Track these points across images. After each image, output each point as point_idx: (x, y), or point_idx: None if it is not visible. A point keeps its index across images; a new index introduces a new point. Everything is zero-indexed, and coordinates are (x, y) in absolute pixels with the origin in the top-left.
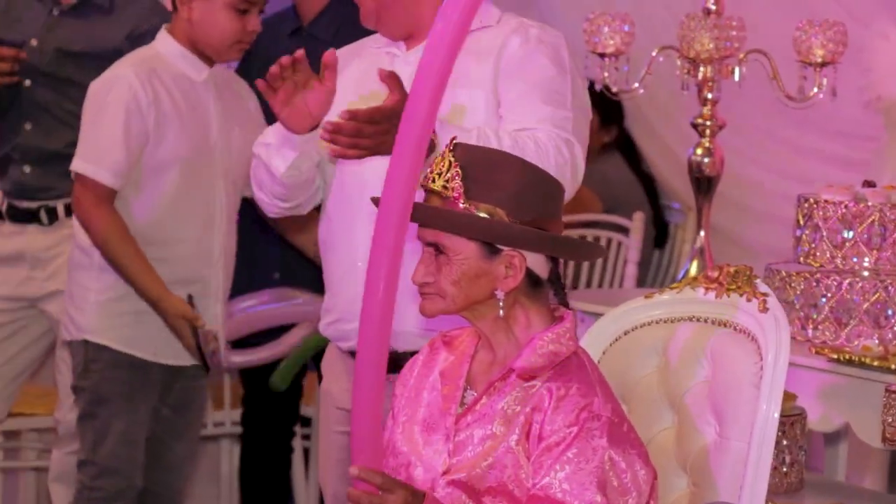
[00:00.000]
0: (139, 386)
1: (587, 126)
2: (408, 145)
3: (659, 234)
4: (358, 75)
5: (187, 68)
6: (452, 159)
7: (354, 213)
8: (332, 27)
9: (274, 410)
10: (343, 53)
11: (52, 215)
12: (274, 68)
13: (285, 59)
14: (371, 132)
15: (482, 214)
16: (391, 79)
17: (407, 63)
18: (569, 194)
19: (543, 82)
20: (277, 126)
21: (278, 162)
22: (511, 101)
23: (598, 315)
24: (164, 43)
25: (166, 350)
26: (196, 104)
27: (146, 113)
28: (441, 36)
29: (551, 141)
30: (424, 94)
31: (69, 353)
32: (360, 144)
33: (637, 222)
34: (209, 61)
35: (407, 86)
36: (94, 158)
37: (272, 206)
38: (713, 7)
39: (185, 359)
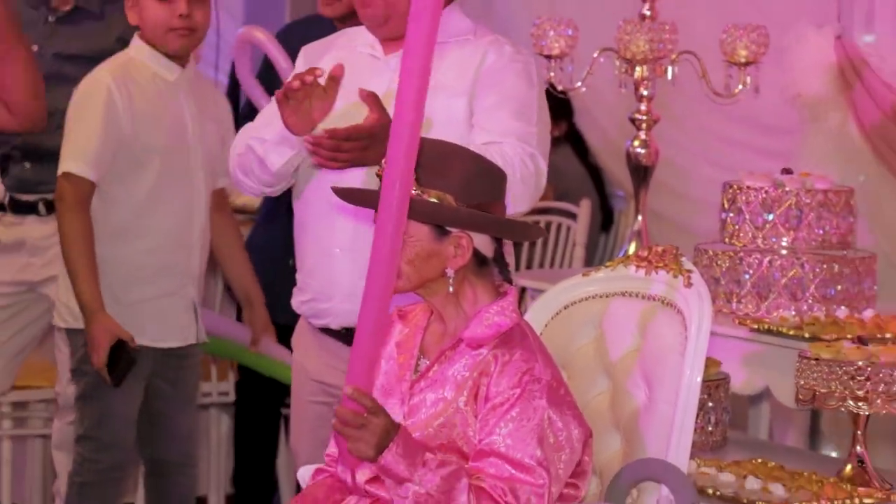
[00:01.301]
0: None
1: (549, 137)
2: (399, 145)
3: (605, 219)
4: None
5: (160, 69)
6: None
7: (333, 200)
8: None
9: (265, 381)
10: (315, 47)
11: (50, 207)
12: (295, 84)
13: (309, 78)
14: (349, 148)
15: (432, 199)
16: (371, 98)
17: (390, 68)
18: (531, 202)
19: (513, 98)
20: (275, 125)
21: (275, 158)
22: (482, 112)
23: (543, 292)
24: (137, 48)
25: (154, 334)
26: (170, 102)
27: (122, 112)
28: (417, 41)
29: (517, 154)
30: (410, 96)
31: (66, 340)
32: (339, 158)
33: (584, 209)
34: (179, 61)
35: (387, 88)
36: (76, 156)
37: (256, 190)
38: (648, 12)
39: (171, 341)
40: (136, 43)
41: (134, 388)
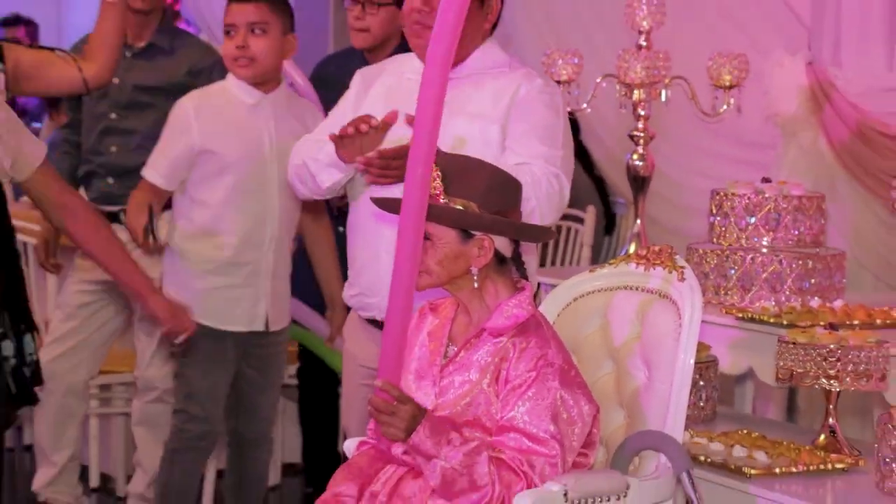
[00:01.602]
0: (217, 350)
1: (572, 160)
2: (420, 153)
3: (608, 223)
4: (385, 97)
5: (241, 94)
6: (434, 164)
7: (378, 209)
8: None
9: (325, 369)
10: (371, 70)
11: None
12: (351, 130)
13: (364, 127)
14: (397, 165)
15: (458, 207)
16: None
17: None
18: (557, 215)
19: (541, 126)
20: (328, 149)
21: (325, 177)
22: (514, 137)
23: (555, 287)
24: (228, 78)
25: (218, 318)
26: (248, 122)
27: (195, 131)
28: (433, 73)
29: (543, 175)
30: (427, 118)
31: (150, 331)
32: (388, 175)
33: (590, 214)
34: (262, 87)
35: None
36: (152, 165)
37: (308, 197)
38: (644, 43)
39: (236, 326)
40: (229, 74)
41: (218, 369)
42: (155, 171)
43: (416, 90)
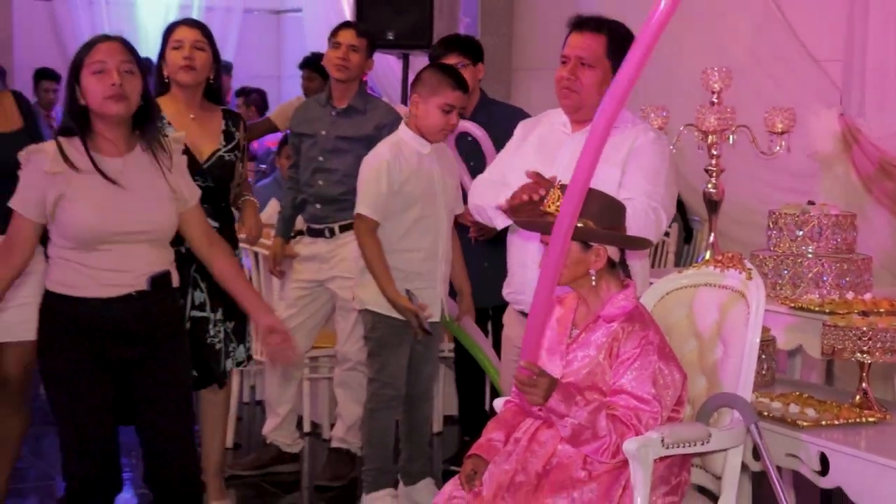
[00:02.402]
0: (401, 335)
1: (675, 197)
2: (574, 193)
3: (687, 235)
4: (538, 144)
5: (417, 146)
6: (560, 193)
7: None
8: (489, 126)
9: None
10: (529, 122)
11: (332, 232)
12: (525, 198)
13: (535, 197)
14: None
15: (580, 225)
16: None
17: (574, 141)
18: (655, 239)
19: (649, 168)
20: (501, 199)
21: (500, 222)
22: (628, 177)
23: (652, 283)
24: (404, 131)
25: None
26: (424, 167)
27: (394, 175)
28: (597, 130)
29: (642, 208)
30: (586, 165)
31: (360, 317)
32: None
33: (674, 229)
34: (431, 140)
35: (572, 159)
36: (366, 203)
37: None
38: (715, 100)
39: (431, 318)
40: (403, 127)
41: (401, 350)
42: (369, 208)
43: (563, 139)
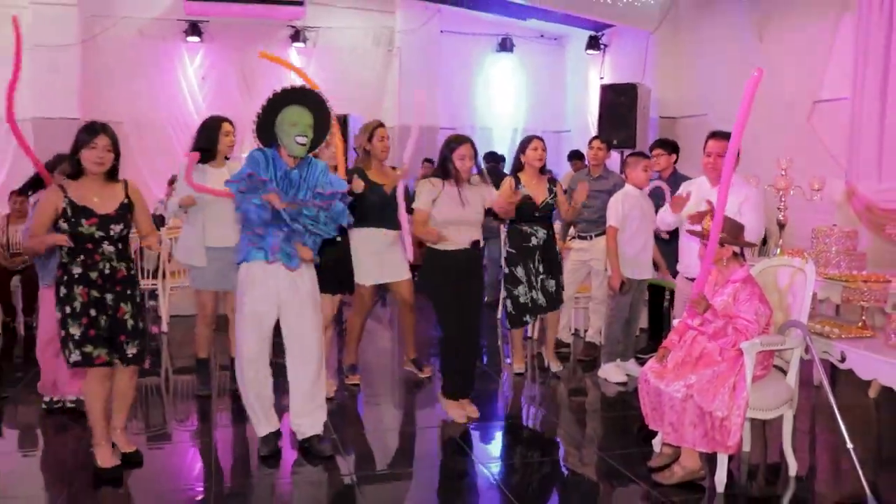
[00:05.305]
0: (628, 290)
1: (762, 221)
2: (717, 221)
3: (763, 241)
4: (696, 199)
5: (636, 193)
6: (709, 217)
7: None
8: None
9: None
10: (696, 181)
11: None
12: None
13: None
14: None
15: (722, 235)
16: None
17: (710, 194)
18: (756, 244)
19: (753, 208)
20: (667, 218)
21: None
22: (744, 212)
23: (752, 265)
24: (628, 186)
25: None
26: (638, 203)
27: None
28: (724, 186)
29: (751, 227)
30: (720, 205)
31: (607, 278)
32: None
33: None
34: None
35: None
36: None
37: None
38: (783, 173)
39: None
40: (627, 185)
41: (628, 294)
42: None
43: (708, 192)
